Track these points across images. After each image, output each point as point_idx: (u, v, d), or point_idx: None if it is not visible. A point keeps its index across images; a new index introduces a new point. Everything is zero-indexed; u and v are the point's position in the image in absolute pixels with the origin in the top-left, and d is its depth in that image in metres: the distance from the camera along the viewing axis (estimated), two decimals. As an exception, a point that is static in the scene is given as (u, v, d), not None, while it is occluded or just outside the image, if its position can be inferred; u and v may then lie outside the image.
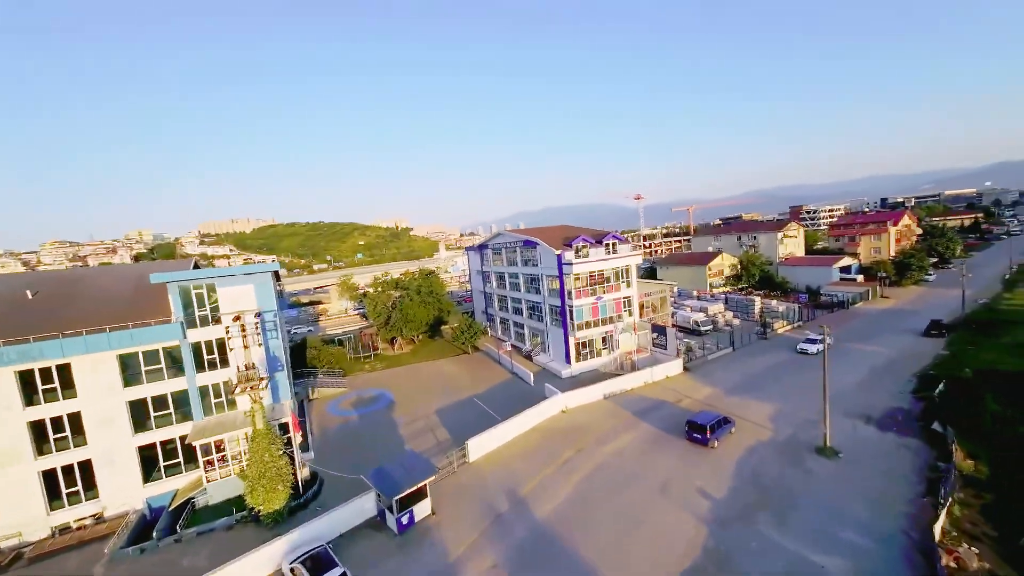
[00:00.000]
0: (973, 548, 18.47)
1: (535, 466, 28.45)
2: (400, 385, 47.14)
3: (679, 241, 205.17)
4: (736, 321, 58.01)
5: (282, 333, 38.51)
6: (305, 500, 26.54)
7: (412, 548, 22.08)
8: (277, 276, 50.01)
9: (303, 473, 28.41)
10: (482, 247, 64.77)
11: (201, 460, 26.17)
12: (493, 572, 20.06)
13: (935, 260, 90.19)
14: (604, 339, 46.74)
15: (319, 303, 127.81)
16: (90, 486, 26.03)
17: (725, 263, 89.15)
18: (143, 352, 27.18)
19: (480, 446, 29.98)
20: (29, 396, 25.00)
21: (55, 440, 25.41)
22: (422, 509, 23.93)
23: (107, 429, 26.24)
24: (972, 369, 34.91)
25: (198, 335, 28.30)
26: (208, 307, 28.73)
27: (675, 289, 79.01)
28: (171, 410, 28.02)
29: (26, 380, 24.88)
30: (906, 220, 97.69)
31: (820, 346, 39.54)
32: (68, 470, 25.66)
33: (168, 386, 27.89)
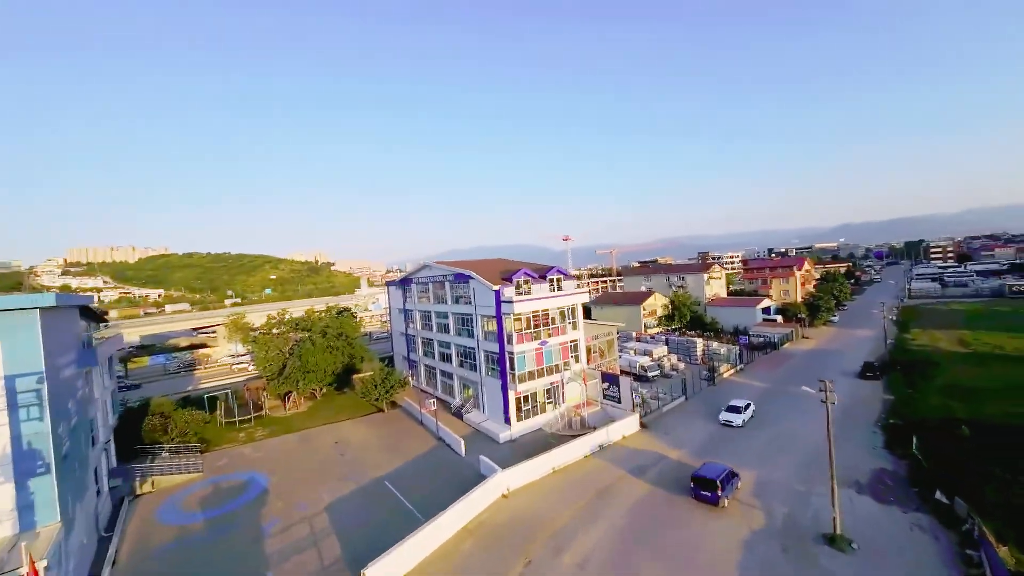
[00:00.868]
0: None
1: (466, 601, 19.29)
2: (284, 463, 35.05)
3: (604, 282, 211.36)
4: (681, 365, 54.54)
5: (102, 401, 25.68)
6: None
7: None
8: (95, 316, 36.40)
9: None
10: (405, 281, 55.68)
11: None
12: None
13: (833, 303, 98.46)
14: (549, 391, 39.53)
15: (204, 346, 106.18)
16: None
17: (658, 303, 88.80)
18: None
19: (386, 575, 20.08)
20: None
21: None
22: None
23: None
24: (967, 428, 32.61)
25: None
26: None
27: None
28: None
29: None
30: (807, 266, 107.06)
31: (746, 415, 36.96)
32: None
33: None
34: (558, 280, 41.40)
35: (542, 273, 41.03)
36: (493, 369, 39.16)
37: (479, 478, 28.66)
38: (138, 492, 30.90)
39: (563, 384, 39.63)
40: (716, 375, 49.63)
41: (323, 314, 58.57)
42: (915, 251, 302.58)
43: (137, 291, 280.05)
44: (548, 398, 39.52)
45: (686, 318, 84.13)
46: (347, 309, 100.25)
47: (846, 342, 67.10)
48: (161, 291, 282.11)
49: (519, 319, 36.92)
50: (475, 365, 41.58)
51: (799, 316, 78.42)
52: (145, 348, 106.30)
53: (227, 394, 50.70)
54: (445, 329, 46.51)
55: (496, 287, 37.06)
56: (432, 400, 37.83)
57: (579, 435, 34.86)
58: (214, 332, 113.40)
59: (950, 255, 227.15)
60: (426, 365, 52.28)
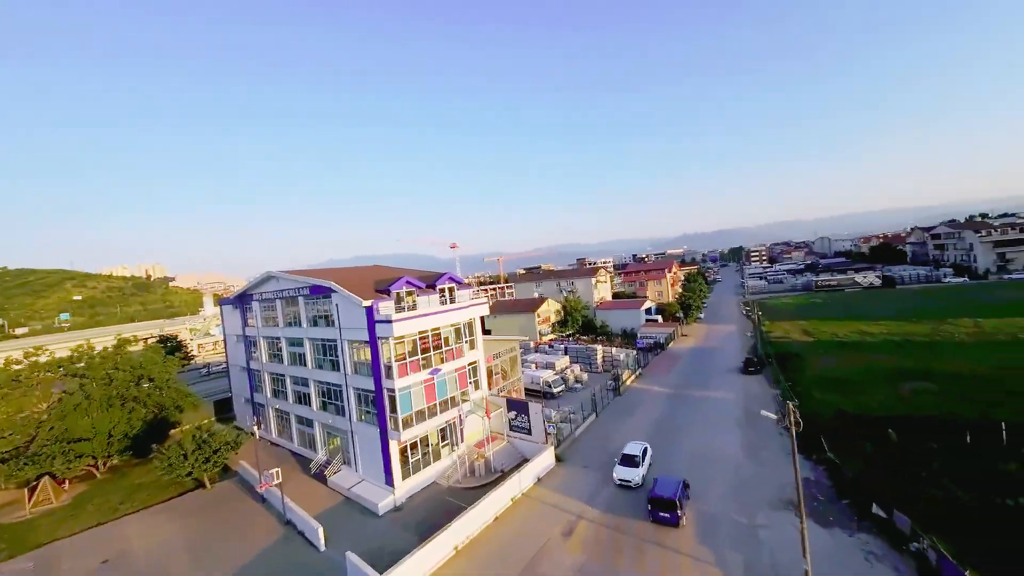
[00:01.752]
0: None
1: None
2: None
3: (493, 289, 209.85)
4: (585, 375, 51.10)
5: None
6: None
7: None
8: None
9: None
10: (244, 298, 41.64)
11: None
12: None
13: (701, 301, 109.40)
14: (444, 431, 31.19)
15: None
16: None
17: (551, 309, 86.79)
18: None
19: None
20: None
21: None
22: None
23: None
24: (894, 432, 33.16)
25: None
26: None
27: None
28: None
29: None
30: (675, 268, 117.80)
31: (644, 467, 28.03)
32: None
33: None
34: (450, 290, 33.51)
35: (430, 282, 32.67)
36: (368, 412, 29.33)
37: (345, 593, 19.01)
38: None
39: (461, 420, 31.67)
40: (621, 384, 47.03)
41: (113, 349, 40.61)
42: (738, 255, 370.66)
43: None
44: (443, 440, 31.13)
45: (578, 323, 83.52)
46: (170, 338, 77.11)
47: (718, 337, 72.52)
48: None
49: (401, 342, 27.94)
50: (343, 408, 31.07)
51: (676, 315, 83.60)
52: None
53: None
54: (300, 360, 34.75)
55: (368, 302, 27.53)
56: (274, 472, 26.21)
57: (485, 484, 27.36)
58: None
59: (764, 258, 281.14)
60: (277, 409, 39.21)
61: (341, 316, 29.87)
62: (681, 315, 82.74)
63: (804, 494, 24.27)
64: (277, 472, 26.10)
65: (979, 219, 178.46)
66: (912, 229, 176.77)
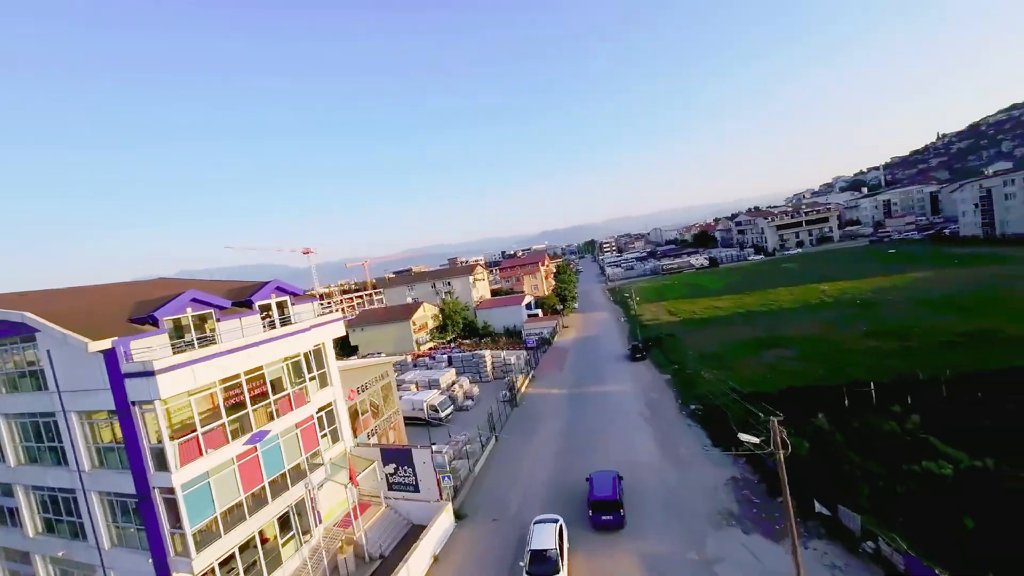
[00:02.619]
0: None
1: None
2: None
3: (359, 297, 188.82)
4: (475, 388, 44.19)
5: None
6: None
7: None
8: None
9: None
10: None
11: None
12: None
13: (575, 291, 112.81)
14: (284, 520, 20.60)
15: None
16: None
17: (428, 314, 77.83)
18: None
19: None
20: None
21: None
22: None
23: None
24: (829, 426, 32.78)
25: None
26: None
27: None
28: None
29: None
30: (547, 261, 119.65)
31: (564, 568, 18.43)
32: None
33: None
34: (280, 305, 22.77)
35: (243, 297, 21.43)
36: (131, 530, 17.21)
37: None
38: None
39: (313, 495, 21.43)
40: (516, 392, 41.47)
41: None
42: (592, 248, 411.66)
43: None
44: (285, 532, 20.57)
45: (459, 326, 76.56)
46: None
47: (596, 325, 73.54)
48: None
49: (185, 404, 16.67)
50: (82, 528, 18.04)
51: (555, 307, 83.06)
52: None
53: None
54: (-5, 454, 19.79)
55: (105, 343, 15.55)
56: None
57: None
58: None
59: (614, 248, 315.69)
60: (-36, 540, 22.56)
61: (59, 371, 16.90)
62: (560, 307, 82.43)
63: (745, 503, 21.59)
64: None
65: (766, 208, 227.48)
66: (720, 219, 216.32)
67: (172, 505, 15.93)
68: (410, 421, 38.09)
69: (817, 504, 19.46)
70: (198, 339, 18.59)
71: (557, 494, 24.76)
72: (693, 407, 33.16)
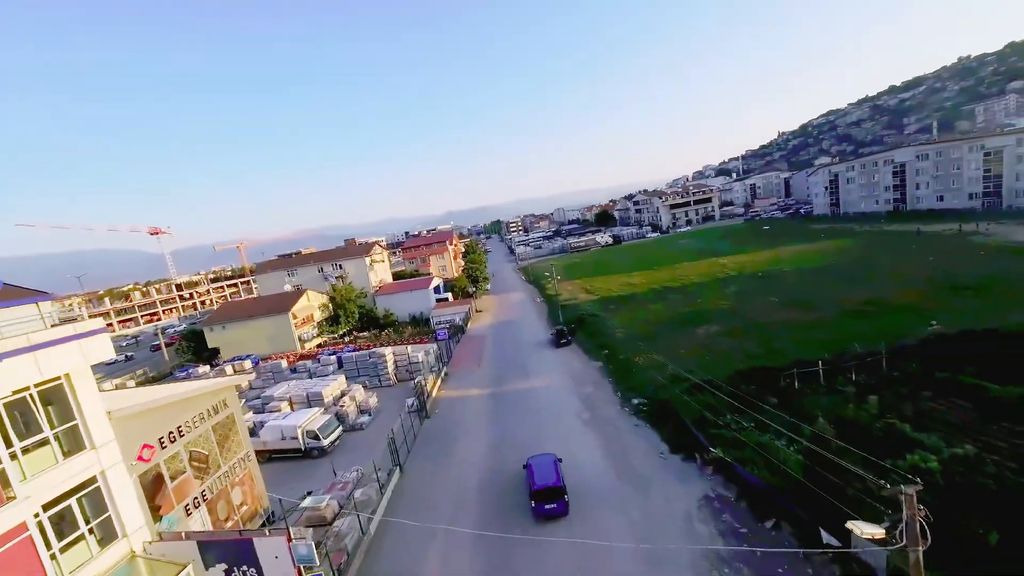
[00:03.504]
0: None
1: None
2: None
3: (234, 285, 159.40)
4: (373, 399, 34.90)
5: None
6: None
7: None
8: None
9: None
10: None
11: None
12: None
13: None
14: None
15: None
16: None
17: (314, 304, 64.53)
18: None
19: None
20: None
21: None
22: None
23: None
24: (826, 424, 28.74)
25: None
26: None
27: (249, 370, 45.85)
28: None
29: None
30: (455, 240, 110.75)
31: None
32: None
33: None
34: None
35: None
36: None
37: None
38: None
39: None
40: (426, 399, 33.46)
41: None
42: (498, 228, 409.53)
43: None
44: None
45: (354, 317, 64.95)
46: None
47: (512, 307, 68.04)
48: None
49: None
50: None
51: (466, 290, 75.63)
52: None
53: None
54: None
55: None
56: None
57: None
58: None
59: (521, 228, 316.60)
60: None
61: None
62: (472, 289, 75.18)
63: (732, 534, 16.86)
64: None
65: (659, 189, 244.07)
66: (618, 200, 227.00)
67: None
68: (279, 456, 27.96)
69: (825, 534, 15.42)
70: None
71: (488, 559, 17.83)
72: (636, 402, 28.73)
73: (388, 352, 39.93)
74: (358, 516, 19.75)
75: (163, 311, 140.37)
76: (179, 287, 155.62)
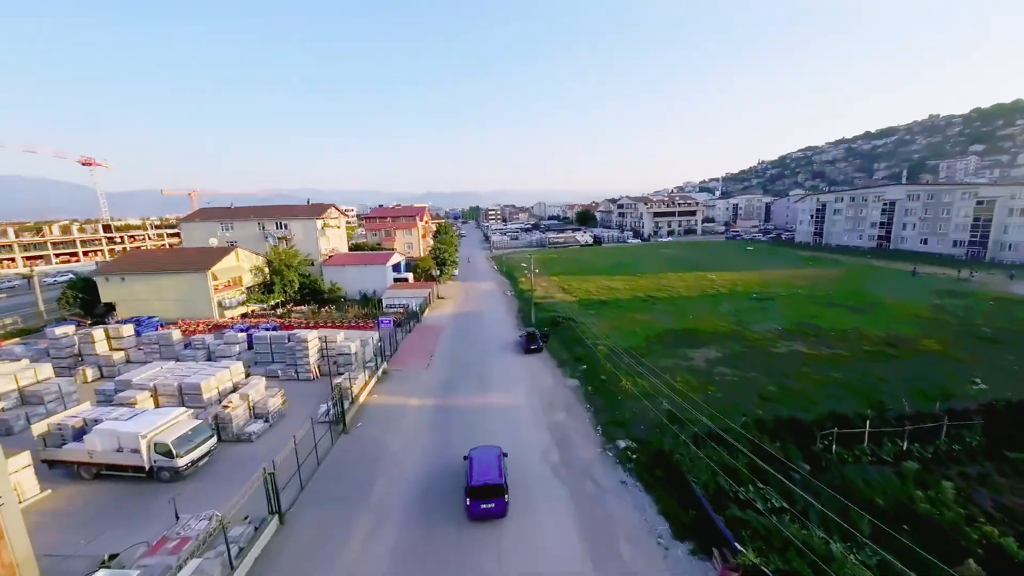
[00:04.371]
0: None
1: None
2: None
3: (176, 235, 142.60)
4: (279, 400, 26.16)
5: None
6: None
7: None
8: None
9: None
10: None
11: None
12: None
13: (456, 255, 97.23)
14: None
15: None
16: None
17: (244, 265, 54.21)
18: None
19: None
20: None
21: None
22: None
23: None
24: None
25: None
26: None
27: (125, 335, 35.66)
28: None
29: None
30: (427, 217, 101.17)
31: None
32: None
33: None
34: None
35: None
36: None
37: None
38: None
39: None
40: (347, 406, 25.25)
41: None
42: (476, 214, 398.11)
43: None
44: None
45: (292, 287, 55.14)
46: None
47: (479, 298, 60.25)
48: None
49: None
50: None
51: (430, 272, 67.04)
52: None
53: None
54: None
55: None
56: None
57: None
58: None
59: (499, 217, 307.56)
60: None
61: None
62: (437, 272, 66.67)
63: None
64: None
65: (645, 196, 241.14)
66: (603, 201, 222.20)
67: None
68: (112, 474, 19.22)
69: None
70: None
71: None
72: (623, 445, 21.77)
73: (312, 336, 31.14)
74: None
75: (85, 253, 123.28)
76: (107, 228, 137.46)
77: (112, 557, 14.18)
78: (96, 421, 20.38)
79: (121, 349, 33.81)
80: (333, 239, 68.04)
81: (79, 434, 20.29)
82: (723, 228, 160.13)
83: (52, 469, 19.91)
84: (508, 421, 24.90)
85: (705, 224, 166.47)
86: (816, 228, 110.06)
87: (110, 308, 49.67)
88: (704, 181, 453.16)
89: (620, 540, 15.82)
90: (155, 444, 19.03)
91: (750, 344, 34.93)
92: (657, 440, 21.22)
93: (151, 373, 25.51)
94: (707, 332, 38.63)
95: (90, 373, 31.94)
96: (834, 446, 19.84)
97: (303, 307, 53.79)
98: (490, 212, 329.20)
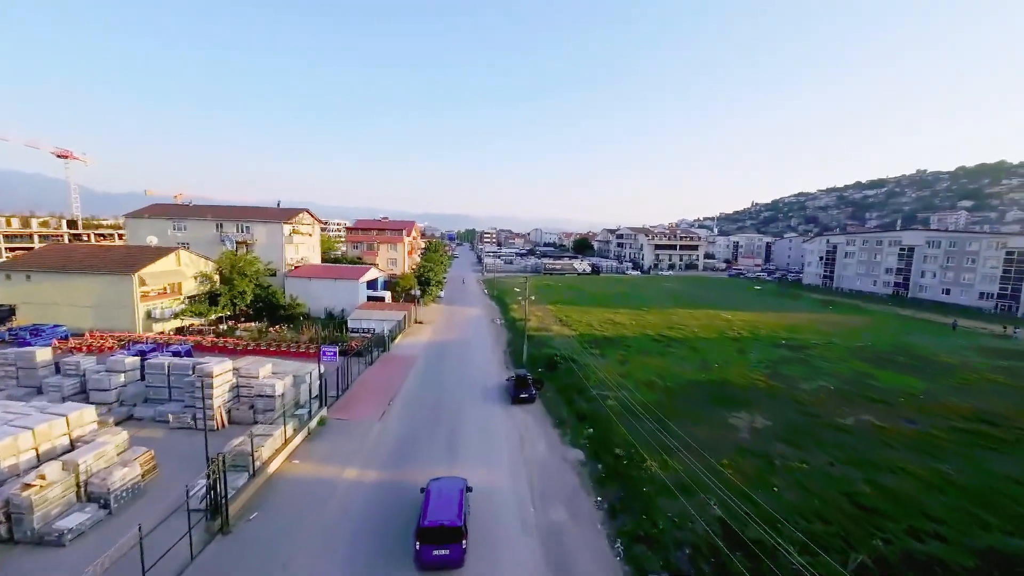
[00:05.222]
0: None
1: None
2: None
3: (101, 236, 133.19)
4: (142, 468, 17.45)
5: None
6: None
7: None
8: None
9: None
10: None
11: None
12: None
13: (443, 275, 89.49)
14: None
15: None
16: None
17: (188, 271, 45.74)
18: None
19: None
20: None
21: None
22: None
23: None
24: None
25: None
26: None
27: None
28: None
29: None
30: (415, 232, 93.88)
31: None
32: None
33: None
34: None
35: None
36: None
37: None
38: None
39: None
40: (244, 482, 16.69)
41: None
42: (472, 236, 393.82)
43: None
44: None
45: (245, 299, 46.59)
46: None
47: (463, 325, 52.07)
48: None
49: None
50: None
51: (411, 292, 59.00)
52: None
53: None
54: None
55: None
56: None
57: None
58: None
59: (495, 241, 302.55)
60: None
61: None
62: (417, 293, 58.65)
63: None
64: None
65: (645, 227, 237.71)
66: (601, 231, 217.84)
67: None
68: None
69: None
70: None
71: None
72: (661, 585, 13.55)
73: (221, 369, 22.64)
74: None
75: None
76: (72, 224, 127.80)
77: None
78: None
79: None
80: (303, 248, 60.03)
81: None
82: (724, 265, 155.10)
83: None
84: (481, 518, 16.49)
85: (706, 260, 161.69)
86: (826, 271, 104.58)
87: (10, 311, 40.72)
88: (699, 219, 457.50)
89: None
90: None
91: (804, 410, 27.11)
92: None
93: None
94: (741, 386, 30.82)
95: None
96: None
97: (252, 324, 45.18)
98: (485, 235, 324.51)
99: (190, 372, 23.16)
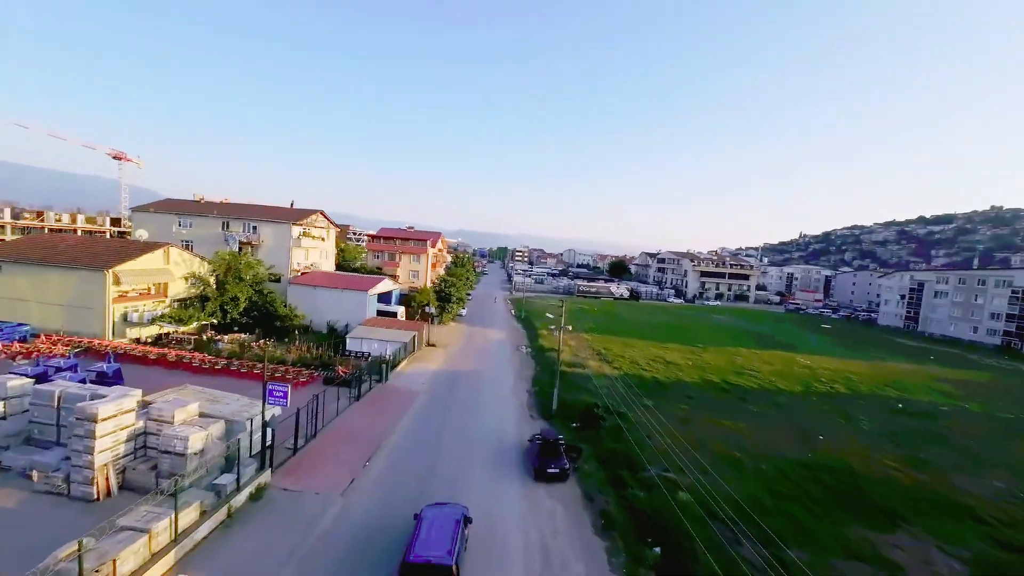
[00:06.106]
0: None
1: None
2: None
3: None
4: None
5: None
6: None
7: None
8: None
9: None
10: None
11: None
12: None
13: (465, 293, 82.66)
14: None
15: None
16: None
17: (176, 271, 40.56)
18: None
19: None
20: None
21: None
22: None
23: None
24: None
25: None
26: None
27: None
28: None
29: None
30: (441, 244, 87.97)
31: None
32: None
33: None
34: None
35: None
36: None
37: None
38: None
39: None
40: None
41: None
42: (504, 254, 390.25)
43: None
44: None
45: (238, 306, 40.78)
46: None
47: (481, 352, 44.16)
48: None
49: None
50: None
51: (426, 309, 51.95)
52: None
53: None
54: None
55: None
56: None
57: None
58: None
59: (526, 260, 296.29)
60: None
61: None
62: (434, 310, 51.52)
63: None
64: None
65: (690, 252, 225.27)
66: (640, 254, 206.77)
67: None
68: None
69: None
70: None
71: None
72: None
73: (111, 411, 15.62)
74: None
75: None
76: (116, 221, 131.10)
77: None
78: None
79: None
80: (313, 254, 54.51)
81: None
82: (778, 298, 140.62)
83: None
84: None
85: (757, 292, 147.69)
86: (909, 311, 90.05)
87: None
88: (740, 249, 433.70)
89: None
90: None
91: (995, 534, 17.12)
92: None
93: None
94: (871, 478, 20.98)
95: None
96: None
97: (241, 335, 39.14)
98: (517, 253, 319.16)
99: (69, 412, 16.25)
